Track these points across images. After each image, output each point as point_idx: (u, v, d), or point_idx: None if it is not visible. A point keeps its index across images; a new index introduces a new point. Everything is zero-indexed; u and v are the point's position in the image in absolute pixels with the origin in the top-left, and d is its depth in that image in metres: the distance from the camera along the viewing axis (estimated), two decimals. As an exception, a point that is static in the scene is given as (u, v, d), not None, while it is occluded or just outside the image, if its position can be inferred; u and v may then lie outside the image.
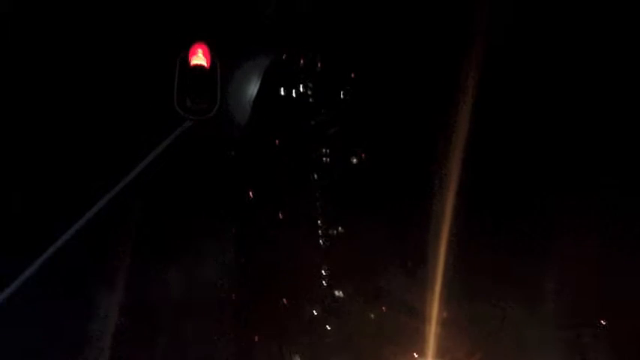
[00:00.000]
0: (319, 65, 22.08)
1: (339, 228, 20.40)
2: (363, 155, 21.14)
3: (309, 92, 22.05)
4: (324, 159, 21.49)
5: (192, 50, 8.26)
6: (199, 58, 8.16)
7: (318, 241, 20.47)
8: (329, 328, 19.25)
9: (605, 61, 16.92)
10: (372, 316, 18.74)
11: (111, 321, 16.96)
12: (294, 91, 21.92)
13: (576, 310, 16.88)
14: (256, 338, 18.96)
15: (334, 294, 19.65)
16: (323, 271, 20.02)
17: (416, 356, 17.37)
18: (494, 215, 17.76)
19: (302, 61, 22.00)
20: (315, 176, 21.21)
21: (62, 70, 16.08)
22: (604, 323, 17.01)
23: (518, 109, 17.83)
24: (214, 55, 8.24)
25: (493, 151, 17.75)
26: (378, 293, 18.73)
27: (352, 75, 21.57)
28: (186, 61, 8.23)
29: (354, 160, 21.19)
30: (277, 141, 21.57)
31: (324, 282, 19.94)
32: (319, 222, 20.66)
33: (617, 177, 16.69)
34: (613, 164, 16.97)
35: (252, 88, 21.08)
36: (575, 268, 16.07)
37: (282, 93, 21.87)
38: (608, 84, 17.07)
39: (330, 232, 20.47)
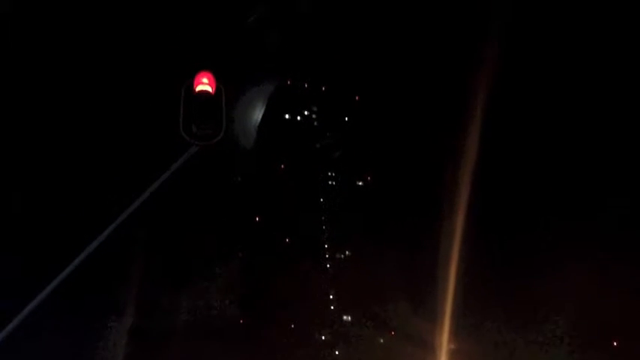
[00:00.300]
0: (323, 89, 22.26)
1: (347, 252, 20.38)
2: (369, 178, 21.18)
3: (314, 116, 22.20)
4: (330, 183, 21.55)
5: (197, 77, 8.28)
6: (205, 84, 8.19)
7: (326, 266, 20.44)
8: (337, 353, 19.14)
9: (614, 91, 16.98)
10: (381, 341, 18.62)
11: (119, 350, 16.91)
12: (298, 115, 22.08)
13: (587, 337, 16.65)
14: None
15: (342, 319, 19.56)
16: (331, 296, 19.96)
17: None
18: (503, 240, 17.68)
19: (306, 86, 22.19)
20: (322, 200, 21.24)
21: (64, 106, 16.29)
22: (616, 346, 16.82)
23: (526, 134, 17.89)
24: (219, 81, 8.27)
25: (501, 176, 17.74)
26: (387, 319, 18.62)
27: (357, 98, 21.72)
28: (192, 87, 8.27)
29: (361, 184, 21.23)
30: (283, 165, 21.67)
31: (332, 307, 19.87)
32: (326, 246, 20.66)
33: (624, 197, 16.63)
34: (619, 186, 16.93)
35: (258, 114, 21.24)
36: (585, 293, 15.87)
37: (287, 118, 22.04)
38: (617, 112, 17.11)
39: (338, 256, 20.45)
